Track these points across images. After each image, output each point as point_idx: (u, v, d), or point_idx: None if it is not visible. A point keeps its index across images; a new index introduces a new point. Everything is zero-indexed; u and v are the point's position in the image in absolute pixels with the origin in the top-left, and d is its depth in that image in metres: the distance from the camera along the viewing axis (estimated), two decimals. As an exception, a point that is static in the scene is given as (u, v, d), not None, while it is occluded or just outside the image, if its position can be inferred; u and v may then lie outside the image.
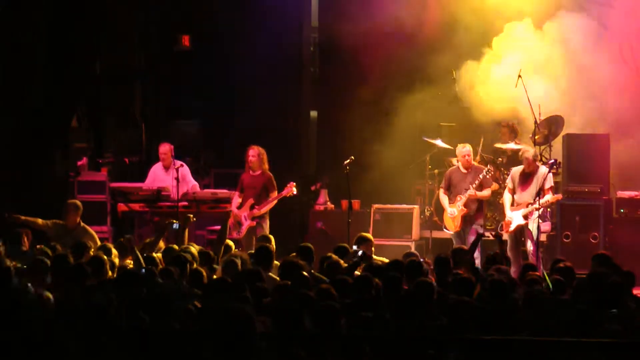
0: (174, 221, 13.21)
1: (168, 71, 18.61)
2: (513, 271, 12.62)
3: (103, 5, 15.09)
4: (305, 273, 9.88)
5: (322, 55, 18.52)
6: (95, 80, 17.35)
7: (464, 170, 15.03)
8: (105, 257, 10.63)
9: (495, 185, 15.54)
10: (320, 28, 18.51)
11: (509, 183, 14.82)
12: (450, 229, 15.08)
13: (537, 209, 14.20)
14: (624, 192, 15.92)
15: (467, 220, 14.90)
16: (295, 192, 15.05)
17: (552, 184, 14.47)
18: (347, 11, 17.48)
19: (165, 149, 15.52)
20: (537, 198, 14.11)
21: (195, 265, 10.61)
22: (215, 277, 10.20)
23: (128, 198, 15.33)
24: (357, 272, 10.67)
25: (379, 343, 7.26)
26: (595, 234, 15.43)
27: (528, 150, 14.79)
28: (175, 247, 11.79)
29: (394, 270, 9.98)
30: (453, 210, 14.88)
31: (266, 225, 14.97)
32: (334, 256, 11.16)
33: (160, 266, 10.74)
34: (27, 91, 14.97)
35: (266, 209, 15.01)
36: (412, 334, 7.94)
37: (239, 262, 10.51)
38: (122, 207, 15.51)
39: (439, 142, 16.84)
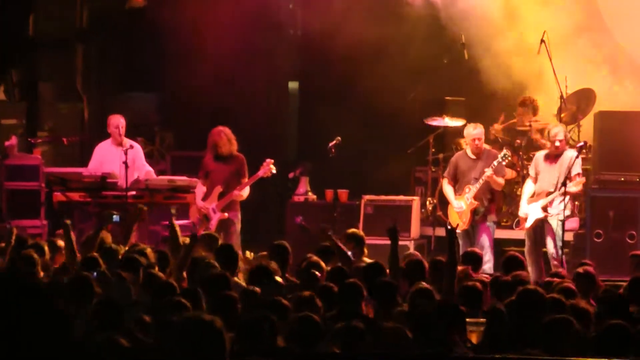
0: (114, 212, 12.38)
1: (118, 33, 17.87)
2: (533, 277, 11.98)
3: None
4: (278, 278, 9.73)
5: (304, 15, 17.75)
6: (29, 44, 16.87)
7: (474, 157, 14.03)
8: (37, 256, 10.47)
9: (512, 173, 14.98)
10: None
11: (531, 171, 13.84)
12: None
13: (561, 200, 13.13)
14: (667, 181, 15.23)
15: (477, 216, 13.91)
16: (274, 171, 14.19)
17: (580, 171, 13.61)
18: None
19: (116, 121, 14.74)
20: (563, 186, 13.12)
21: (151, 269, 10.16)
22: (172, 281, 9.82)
23: (66, 186, 14.60)
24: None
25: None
26: (633, 232, 14.53)
27: (558, 128, 13.80)
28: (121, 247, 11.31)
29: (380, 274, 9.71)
30: (461, 204, 13.88)
31: (238, 218, 14.16)
32: (315, 257, 10.57)
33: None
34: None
35: (240, 195, 14.09)
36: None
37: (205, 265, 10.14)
38: (59, 196, 14.73)
39: (445, 122, 15.89)
